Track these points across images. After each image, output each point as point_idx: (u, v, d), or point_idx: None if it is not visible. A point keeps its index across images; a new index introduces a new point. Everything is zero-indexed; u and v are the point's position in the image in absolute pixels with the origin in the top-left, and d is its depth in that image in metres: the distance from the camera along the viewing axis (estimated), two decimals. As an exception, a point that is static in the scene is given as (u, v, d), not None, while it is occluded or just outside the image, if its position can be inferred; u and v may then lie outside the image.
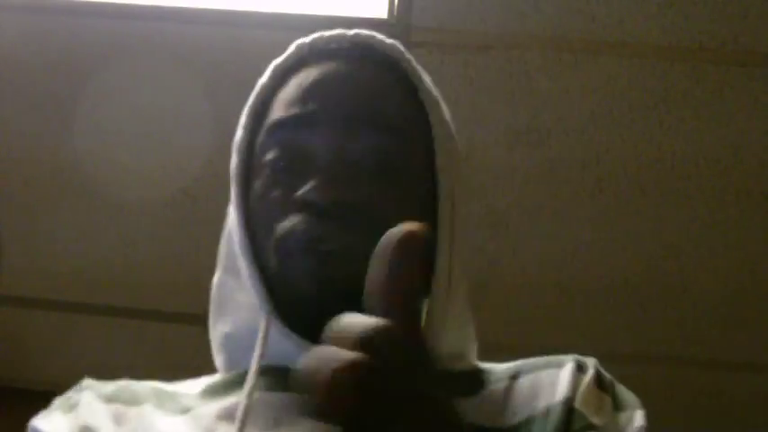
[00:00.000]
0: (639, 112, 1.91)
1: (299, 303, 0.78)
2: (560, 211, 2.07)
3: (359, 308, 0.75)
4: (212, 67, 1.94)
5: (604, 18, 1.79)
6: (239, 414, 0.75)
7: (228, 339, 0.88)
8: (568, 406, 0.77)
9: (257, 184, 0.82)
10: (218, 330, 0.90)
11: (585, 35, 1.82)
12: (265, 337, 0.79)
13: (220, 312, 0.89)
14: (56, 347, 2.46)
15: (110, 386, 0.89)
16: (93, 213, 2.18)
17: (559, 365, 0.81)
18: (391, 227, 0.75)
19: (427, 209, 0.81)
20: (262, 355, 0.78)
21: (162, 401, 0.86)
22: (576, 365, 0.81)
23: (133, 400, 0.86)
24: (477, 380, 0.82)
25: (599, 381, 0.81)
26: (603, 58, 1.85)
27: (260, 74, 0.92)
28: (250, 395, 0.76)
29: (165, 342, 2.40)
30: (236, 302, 0.86)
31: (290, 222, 0.78)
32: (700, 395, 2.37)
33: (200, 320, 2.68)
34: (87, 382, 0.90)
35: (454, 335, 0.84)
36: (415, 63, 0.87)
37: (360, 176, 0.78)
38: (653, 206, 2.05)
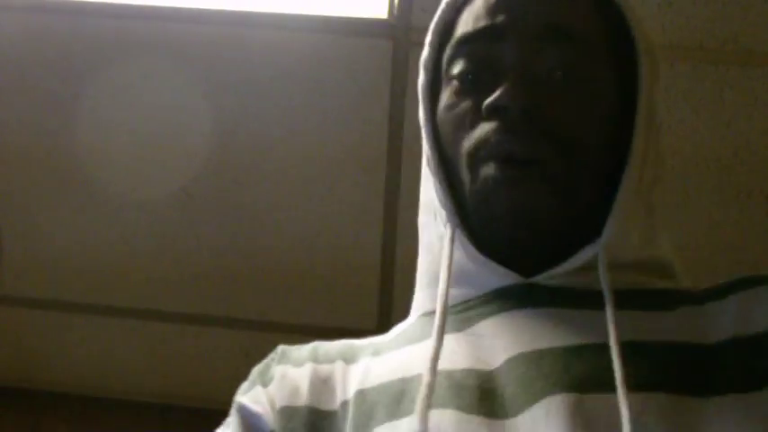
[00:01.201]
0: (639, 112, 1.91)
1: (489, 216, 0.77)
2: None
3: (547, 225, 0.76)
4: (213, 67, 1.94)
5: (604, 18, 1.80)
6: (435, 330, 0.74)
7: (424, 275, 0.87)
8: None
9: (444, 98, 0.82)
10: (419, 271, 0.89)
11: (585, 35, 1.82)
12: (451, 249, 0.79)
13: (422, 250, 0.88)
14: (56, 347, 2.46)
15: (303, 350, 0.87)
16: (93, 213, 2.18)
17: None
18: (577, 140, 0.76)
19: (617, 112, 0.80)
20: (450, 266, 0.77)
21: (354, 354, 0.85)
22: None
23: (326, 359, 0.85)
24: (677, 296, 0.79)
25: None
26: (603, 58, 1.85)
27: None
28: (441, 323, 0.74)
29: (165, 342, 2.40)
30: (429, 236, 0.85)
31: (482, 131, 0.77)
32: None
33: (201, 320, 2.70)
34: (282, 348, 0.89)
35: (649, 236, 0.82)
36: None
37: (549, 87, 0.77)
38: (653, 206, 2.05)
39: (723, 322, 0.75)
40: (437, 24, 0.87)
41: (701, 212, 2.04)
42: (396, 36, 1.84)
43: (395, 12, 1.82)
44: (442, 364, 0.73)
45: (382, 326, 2.19)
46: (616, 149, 0.79)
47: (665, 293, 0.80)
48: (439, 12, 0.87)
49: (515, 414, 0.69)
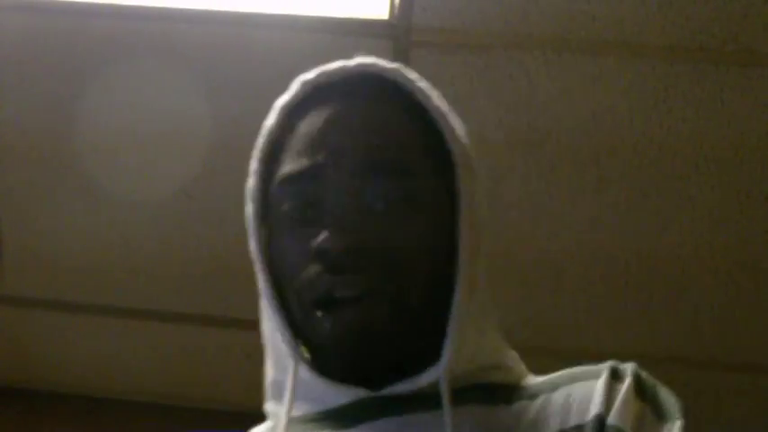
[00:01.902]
0: (639, 112, 1.91)
1: (324, 350, 0.81)
2: (560, 210, 2.07)
3: (383, 350, 0.79)
4: (213, 67, 1.94)
5: (604, 18, 1.79)
6: None
7: (272, 385, 0.89)
8: (601, 423, 0.76)
9: (276, 234, 0.85)
10: (267, 377, 0.91)
11: (585, 35, 1.82)
12: (294, 383, 0.82)
13: (269, 358, 0.90)
14: (56, 347, 2.46)
15: None
16: (93, 213, 2.18)
17: (596, 376, 0.81)
18: (409, 265, 0.79)
19: (446, 224, 0.82)
20: (291, 400, 0.81)
21: None
22: (610, 374, 0.80)
23: None
24: (514, 392, 0.83)
25: (639, 388, 0.80)
26: (603, 58, 1.85)
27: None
28: None
29: (165, 342, 2.40)
30: (278, 349, 0.87)
31: (308, 274, 0.80)
32: (700, 395, 2.37)
33: (201, 320, 2.70)
34: None
35: (482, 343, 0.85)
36: (420, 84, 0.87)
37: (372, 220, 0.79)
38: (653, 206, 2.05)
39: (551, 415, 0.80)
40: (262, 150, 0.90)
41: (702, 212, 2.04)
42: (396, 36, 1.84)
43: (395, 12, 1.82)
44: None
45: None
46: (448, 249, 0.82)
47: (503, 387, 0.84)
48: (262, 135, 0.90)
49: None
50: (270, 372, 0.89)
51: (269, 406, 0.89)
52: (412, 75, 0.87)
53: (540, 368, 0.92)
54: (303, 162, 0.82)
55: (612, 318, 2.24)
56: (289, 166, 0.84)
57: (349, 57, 0.98)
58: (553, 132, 1.95)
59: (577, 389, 0.81)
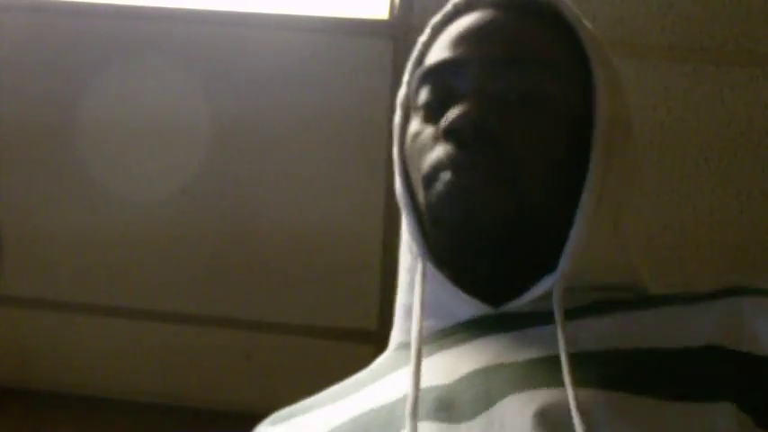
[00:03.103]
0: (639, 112, 1.91)
1: (447, 237, 0.80)
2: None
3: (501, 243, 0.78)
4: (213, 67, 1.94)
5: (604, 18, 1.79)
6: (413, 358, 0.76)
7: (401, 308, 0.90)
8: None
9: (411, 127, 0.86)
10: (398, 303, 0.92)
11: (586, 35, 1.82)
12: (423, 282, 0.82)
13: (401, 283, 0.91)
14: (56, 347, 2.46)
15: (284, 410, 0.90)
16: (93, 213, 2.18)
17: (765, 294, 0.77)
18: (531, 159, 0.79)
19: (580, 136, 0.82)
20: (423, 298, 0.81)
21: (332, 399, 0.87)
22: None
23: (306, 410, 0.87)
24: (649, 300, 0.81)
25: None
26: (603, 58, 1.85)
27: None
28: (416, 372, 0.76)
29: (165, 342, 2.40)
30: (405, 270, 0.88)
31: (436, 153, 0.81)
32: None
33: (201, 320, 2.69)
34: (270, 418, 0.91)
35: (606, 260, 0.83)
36: (575, 11, 0.88)
37: (502, 108, 0.80)
38: (653, 206, 2.05)
39: (700, 326, 0.75)
40: (412, 63, 0.92)
41: (702, 212, 2.04)
42: (396, 36, 1.84)
43: (395, 12, 1.82)
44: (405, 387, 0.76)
45: (382, 326, 2.19)
46: (582, 166, 0.82)
47: (629, 301, 0.81)
48: (415, 50, 0.92)
49: (473, 417, 0.71)
50: (400, 296, 0.90)
51: (394, 332, 0.90)
52: (569, 4, 0.89)
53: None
54: (444, 55, 0.85)
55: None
56: (430, 59, 0.87)
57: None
58: (553, 132, 1.95)
59: (728, 303, 0.76)
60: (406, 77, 0.92)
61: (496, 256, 0.80)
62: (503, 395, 0.71)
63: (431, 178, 0.81)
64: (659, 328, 0.76)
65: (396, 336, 0.91)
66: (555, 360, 0.73)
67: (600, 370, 0.72)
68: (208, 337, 2.39)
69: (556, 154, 0.81)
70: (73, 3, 1.89)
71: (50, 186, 2.15)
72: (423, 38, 0.92)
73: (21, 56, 1.97)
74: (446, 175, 0.79)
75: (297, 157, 2.03)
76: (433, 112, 0.84)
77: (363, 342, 2.26)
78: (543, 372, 0.73)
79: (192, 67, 1.94)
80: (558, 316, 0.76)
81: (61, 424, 2.47)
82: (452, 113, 0.79)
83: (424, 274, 0.82)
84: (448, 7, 0.91)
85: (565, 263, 0.79)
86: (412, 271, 0.86)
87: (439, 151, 0.80)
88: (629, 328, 0.76)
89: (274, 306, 2.27)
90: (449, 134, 0.79)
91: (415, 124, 0.86)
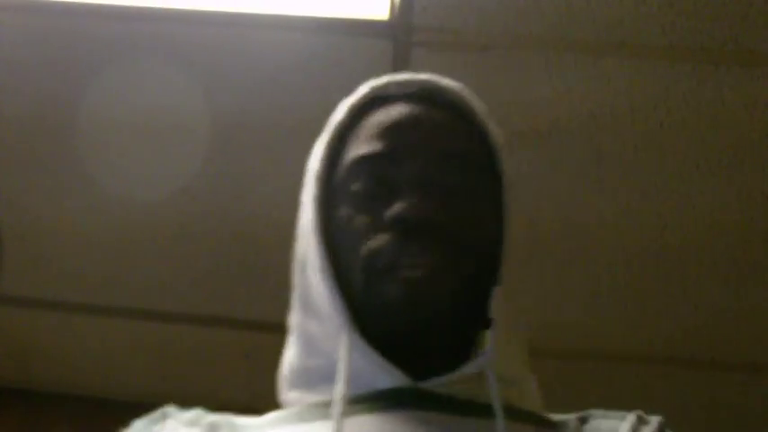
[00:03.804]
0: (640, 112, 1.91)
1: (383, 322, 0.83)
2: (560, 211, 2.07)
3: (440, 324, 0.81)
4: (212, 67, 1.94)
5: (604, 18, 1.79)
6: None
7: (298, 373, 0.91)
8: None
9: (342, 212, 0.88)
10: (288, 367, 0.93)
11: (585, 35, 1.82)
12: (348, 355, 0.83)
13: (296, 347, 0.93)
14: (56, 347, 2.46)
15: (189, 413, 0.93)
16: (93, 213, 2.18)
17: (622, 417, 0.86)
18: (474, 248, 0.84)
19: (497, 219, 0.89)
20: (346, 376, 0.82)
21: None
22: (637, 418, 0.85)
23: (211, 429, 0.89)
24: (542, 418, 0.87)
25: None
26: (603, 58, 1.85)
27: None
28: (339, 420, 0.79)
29: (165, 342, 2.41)
30: (313, 335, 0.89)
31: (377, 241, 0.84)
32: (700, 395, 2.37)
33: (201, 320, 2.69)
34: (168, 409, 0.96)
35: (514, 353, 0.88)
36: (480, 104, 0.96)
37: (442, 199, 0.85)
38: (653, 206, 2.05)
39: None
40: (329, 141, 0.94)
41: (701, 213, 2.04)
42: (396, 36, 1.84)
43: (395, 12, 1.82)
44: None
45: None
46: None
47: (531, 413, 0.86)
48: (329, 128, 0.95)
49: None
50: (295, 361, 0.91)
51: (291, 395, 0.90)
52: (466, 90, 0.97)
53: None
54: (378, 145, 0.88)
55: (613, 318, 2.24)
56: (362, 148, 0.89)
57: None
58: (553, 132, 1.95)
59: (605, 424, 0.85)
60: (320, 154, 0.93)
61: (433, 337, 0.83)
62: None
63: (373, 266, 0.83)
64: None
65: (295, 398, 0.90)
66: None
67: None
68: (208, 337, 2.39)
69: (486, 241, 0.86)
70: (73, 3, 1.89)
71: (50, 186, 2.15)
72: (338, 117, 0.95)
73: (21, 56, 1.97)
74: (392, 265, 0.81)
75: (297, 157, 2.03)
76: (368, 201, 0.86)
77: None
78: None
79: (191, 66, 1.94)
80: (497, 405, 0.79)
81: (61, 424, 2.47)
82: (399, 206, 0.82)
83: (349, 348, 0.83)
84: (364, 91, 0.95)
85: (493, 345, 0.82)
86: (323, 337, 0.87)
87: (381, 240, 0.83)
88: None
89: (274, 306, 2.27)
90: (395, 225, 0.82)
91: (346, 209, 0.88)
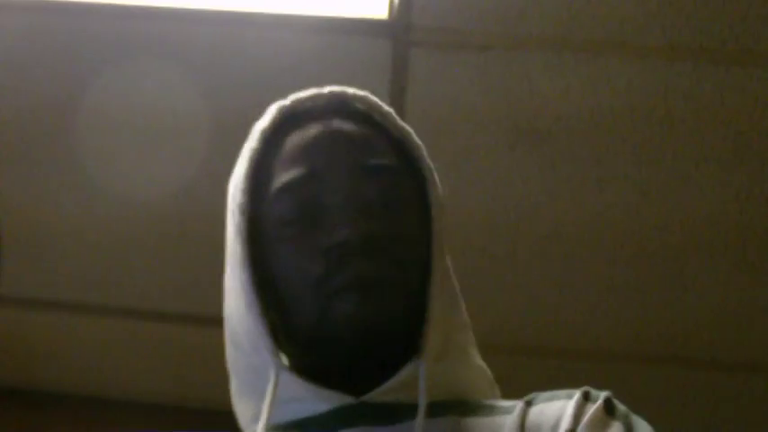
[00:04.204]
0: (640, 112, 1.91)
1: (335, 346, 0.82)
2: (560, 211, 2.07)
3: (391, 337, 0.82)
4: (212, 67, 1.94)
5: (604, 18, 1.79)
6: None
7: (246, 411, 0.91)
8: None
9: (271, 245, 0.87)
10: (242, 414, 0.92)
11: (585, 35, 1.82)
12: (274, 389, 0.83)
13: (241, 386, 0.92)
14: (56, 347, 2.46)
15: None
16: (93, 213, 2.18)
17: (569, 396, 0.85)
18: (409, 256, 0.84)
19: (424, 241, 0.88)
20: (272, 406, 0.82)
21: None
22: (582, 395, 0.84)
23: None
24: (490, 408, 0.87)
25: (609, 409, 0.83)
26: (603, 58, 1.85)
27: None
28: None
29: (164, 342, 2.40)
30: (243, 369, 0.90)
31: (319, 269, 0.82)
32: (700, 395, 2.37)
33: (200, 320, 2.69)
34: None
35: (460, 357, 0.89)
36: (389, 110, 0.95)
37: (374, 216, 0.84)
38: (654, 206, 2.05)
39: (526, 430, 0.83)
40: (248, 170, 0.92)
41: (701, 213, 2.04)
42: (395, 36, 1.84)
43: (394, 11, 1.82)
44: None
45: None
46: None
47: (479, 404, 0.87)
48: (246, 157, 0.94)
49: None
50: (234, 394, 0.92)
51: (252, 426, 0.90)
52: (371, 96, 0.96)
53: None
54: (298, 170, 0.87)
55: (613, 317, 2.24)
56: (283, 176, 0.88)
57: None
58: (553, 132, 1.95)
59: (550, 406, 0.84)
60: (241, 186, 0.91)
61: (374, 355, 0.83)
62: None
63: (321, 292, 0.82)
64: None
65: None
66: None
67: None
68: (208, 336, 2.38)
69: (417, 239, 0.87)
70: (73, 3, 1.89)
71: (50, 186, 2.15)
72: (252, 144, 0.94)
73: (20, 56, 1.97)
74: (343, 286, 0.81)
75: (297, 157, 2.03)
76: (297, 229, 0.85)
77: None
78: None
79: (191, 66, 1.94)
80: (421, 404, 0.80)
81: (61, 424, 2.47)
82: (338, 232, 0.82)
83: (276, 385, 0.83)
84: (273, 114, 0.96)
85: (428, 345, 0.83)
86: (250, 370, 0.87)
87: (322, 267, 0.82)
88: (482, 428, 0.83)
89: (274, 306, 2.27)
90: (335, 247, 0.82)
91: (278, 241, 0.86)
